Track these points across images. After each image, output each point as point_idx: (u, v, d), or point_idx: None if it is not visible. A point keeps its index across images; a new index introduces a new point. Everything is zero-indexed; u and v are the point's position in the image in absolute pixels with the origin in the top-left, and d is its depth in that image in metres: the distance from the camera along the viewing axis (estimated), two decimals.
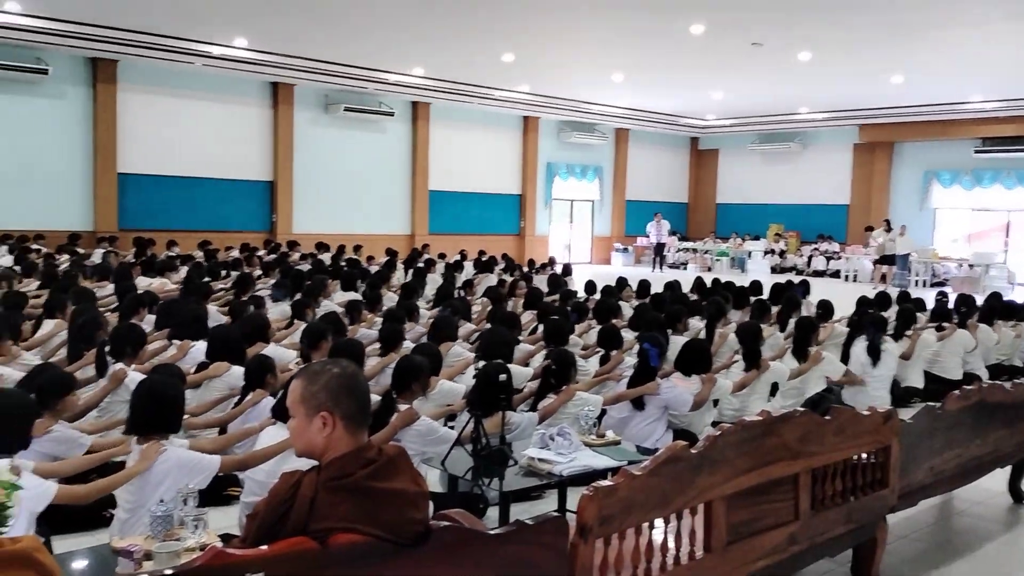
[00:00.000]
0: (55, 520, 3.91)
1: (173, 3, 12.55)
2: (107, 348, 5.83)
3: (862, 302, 9.74)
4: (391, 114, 19.82)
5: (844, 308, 9.78)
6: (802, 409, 3.69)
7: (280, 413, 4.33)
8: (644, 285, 11.07)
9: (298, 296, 9.07)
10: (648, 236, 23.98)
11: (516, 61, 16.21)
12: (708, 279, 12.33)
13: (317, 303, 8.82)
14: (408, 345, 6.82)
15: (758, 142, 25.48)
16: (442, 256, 15.76)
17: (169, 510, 3.05)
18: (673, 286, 11.14)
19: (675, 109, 22.98)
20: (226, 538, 2.82)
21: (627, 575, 2.79)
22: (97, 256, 13.23)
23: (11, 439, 3.63)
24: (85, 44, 14.65)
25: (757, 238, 24.96)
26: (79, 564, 3.10)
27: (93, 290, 9.30)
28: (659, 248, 23.51)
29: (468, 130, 21.75)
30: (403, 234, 20.48)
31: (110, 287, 9.96)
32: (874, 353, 7.41)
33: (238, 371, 5.82)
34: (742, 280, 12.05)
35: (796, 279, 12.69)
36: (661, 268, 22.87)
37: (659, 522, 2.97)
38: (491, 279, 12.94)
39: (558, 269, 14.77)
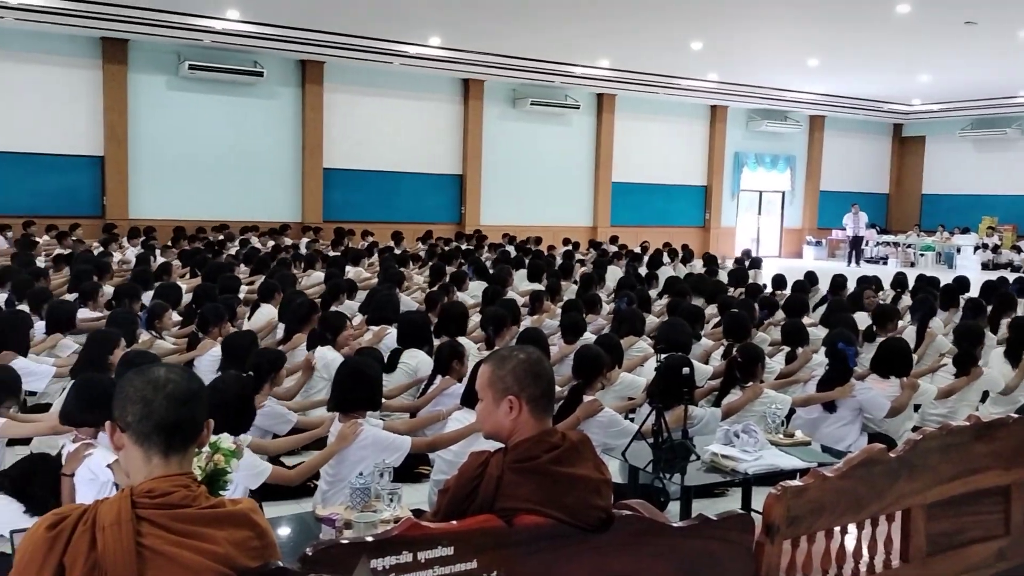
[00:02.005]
0: (265, 488, 4.26)
1: (375, 6, 13.21)
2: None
3: None
4: (576, 107, 19.92)
5: None
6: (1016, 416, 3.41)
7: (468, 399, 4.50)
8: (838, 280, 10.53)
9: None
10: (844, 228, 22.74)
11: (704, 49, 15.83)
12: (911, 275, 11.56)
13: (503, 292, 9.05)
14: (589, 336, 6.87)
15: (970, 128, 23.52)
16: (623, 247, 15.71)
17: (367, 483, 3.25)
18: (871, 280, 10.53)
19: (876, 94, 21.62)
20: (417, 513, 2.96)
21: None
22: (303, 246, 14.20)
23: (237, 421, 3.98)
24: (296, 47, 15.74)
25: (967, 231, 23.07)
26: (285, 529, 3.35)
27: (297, 277, 10.02)
28: (856, 241, 22.24)
29: (653, 121, 21.49)
30: (585, 226, 20.57)
31: (315, 275, 10.66)
32: None
33: (423, 357, 6.10)
34: (948, 277, 11.18)
35: (1011, 276, 11.64)
36: (857, 262, 21.65)
37: (852, 527, 2.84)
38: (669, 271, 12.74)
39: (749, 262, 14.33)
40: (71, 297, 7.87)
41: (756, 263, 14.02)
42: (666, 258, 14.48)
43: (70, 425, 3.80)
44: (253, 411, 4.14)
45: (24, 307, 7.06)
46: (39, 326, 6.58)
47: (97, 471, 3.31)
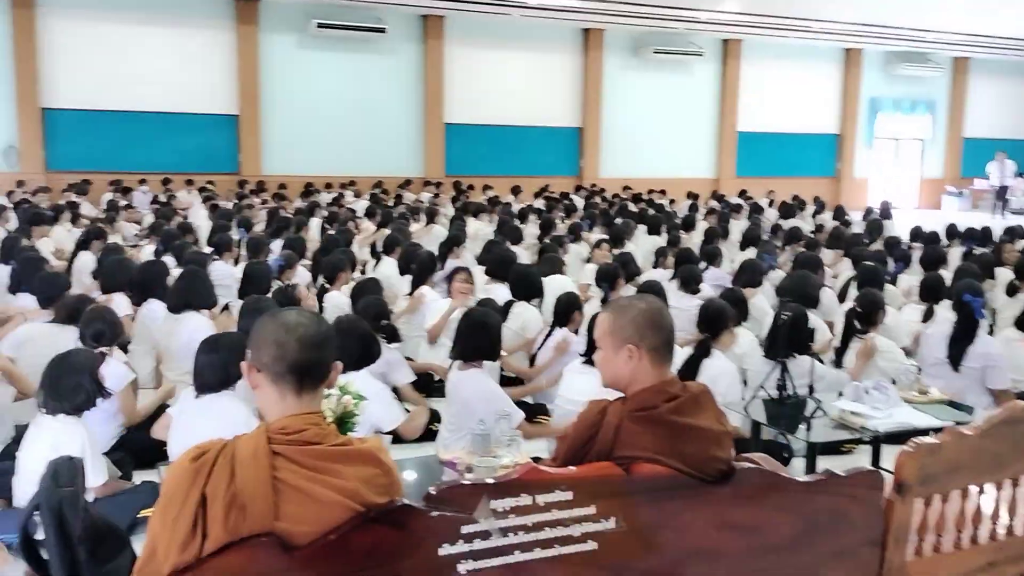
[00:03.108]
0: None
1: None
2: None
3: None
4: (700, 54, 19.31)
5: None
6: None
7: (590, 352, 4.50)
8: (977, 233, 9.92)
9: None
10: (988, 178, 21.33)
11: None
12: None
13: (622, 245, 8.99)
14: (710, 290, 6.77)
15: None
16: (748, 199, 15.24)
17: (487, 430, 3.32)
18: (1015, 232, 9.88)
19: None
20: (536, 460, 3.00)
21: (949, 539, 2.59)
22: (426, 200, 14.45)
23: (360, 357, 4.11)
24: (418, 2, 15.86)
25: None
26: (410, 472, 3.46)
27: (415, 232, 10.25)
28: (1001, 191, 20.81)
29: (782, 67, 20.61)
30: (708, 178, 20.05)
31: (436, 228, 10.85)
32: None
33: (529, 315, 6.13)
34: None
35: None
36: (1003, 214, 20.31)
37: (990, 487, 2.70)
38: (799, 223, 12.29)
39: (880, 212, 13.66)
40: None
41: (886, 214, 13.35)
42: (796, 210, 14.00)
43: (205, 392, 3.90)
44: (376, 349, 4.25)
45: (168, 258, 7.49)
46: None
47: (235, 421, 3.47)
